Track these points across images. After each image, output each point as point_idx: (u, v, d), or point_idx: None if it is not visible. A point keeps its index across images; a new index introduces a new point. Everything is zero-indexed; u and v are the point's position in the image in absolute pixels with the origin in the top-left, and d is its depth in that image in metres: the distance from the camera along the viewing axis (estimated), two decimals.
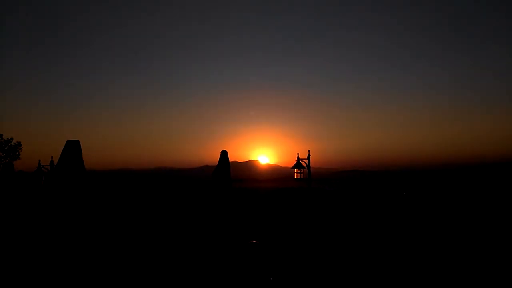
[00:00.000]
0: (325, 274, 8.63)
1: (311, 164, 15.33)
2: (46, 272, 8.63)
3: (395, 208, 21.03)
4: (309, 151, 15.46)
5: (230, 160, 18.62)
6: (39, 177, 20.09)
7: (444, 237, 12.79)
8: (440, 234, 13.20)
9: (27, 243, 11.64)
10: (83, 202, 16.26)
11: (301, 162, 15.33)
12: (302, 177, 15.44)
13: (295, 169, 15.39)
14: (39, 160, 20.02)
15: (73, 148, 16.23)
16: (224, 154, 18.42)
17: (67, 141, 16.32)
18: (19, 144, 38.11)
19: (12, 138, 37.80)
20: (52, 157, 19.18)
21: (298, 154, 15.39)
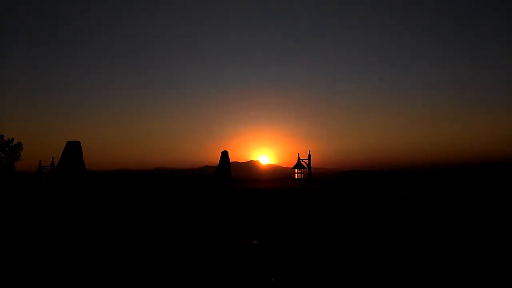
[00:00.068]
0: (326, 275, 8.64)
1: (312, 164, 15.34)
2: (47, 272, 8.65)
3: (396, 208, 21.03)
4: (309, 151, 15.46)
5: (230, 161, 18.61)
6: (40, 178, 20.11)
7: (445, 237, 12.80)
8: (440, 234, 13.21)
9: (28, 244, 11.66)
10: (84, 203, 16.28)
11: (302, 162, 15.33)
12: (302, 177, 15.44)
13: (296, 170, 15.40)
14: (40, 161, 20.04)
15: (73, 149, 16.25)
16: (224, 154, 18.42)
17: (68, 142, 16.35)
18: (19, 145, 38.14)
19: (12, 139, 37.84)
20: (52, 157, 19.21)
21: (298, 154, 15.41)
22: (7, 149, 37.23)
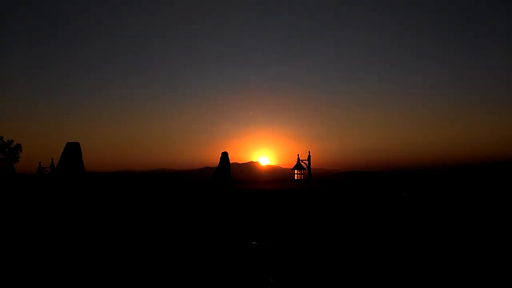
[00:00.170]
0: (325, 275, 8.64)
1: (312, 165, 15.34)
2: (47, 273, 8.64)
3: (396, 209, 21.03)
4: (309, 152, 15.47)
5: (230, 162, 18.64)
6: (40, 180, 20.10)
7: (445, 237, 12.80)
8: (440, 235, 13.20)
9: (28, 245, 11.65)
10: (83, 204, 16.28)
11: (302, 163, 15.34)
12: (302, 178, 15.45)
13: (296, 170, 15.40)
14: (40, 162, 20.04)
15: (73, 150, 16.26)
16: (224, 155, 18.45)
17: (67, 143, 16.36)
18: (19, 146, 38.13)
19: (12, 141, 37.84)
20: (52, 159, 19.21)
21: (298, 155, 15.41)
22: (6, 150, 37.23)
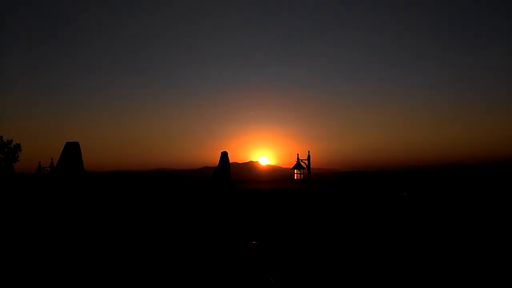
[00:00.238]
0: (325, 275, 8.63)
1: (311, 165, 15.35)
2: (46, 273, 8.63)
3: (395, 209, 21.02)
4: (308, 152, 15.50)
5: (230, 161, 18.66)
6: (39, 179, 20.10)
7: (444, 237, 12.79)
8: (440, 235, 13.19)
9: (27, 245, 11.63)
10: (83, 204, 16.26)
11: (301, 163, 15.35)
12: (302, 177, 15.47)
13: (295, 170, 15.42)
14: (39, 162, 20.03)
15: (72, 149, 16.26)
16: (224, 155, 18.45)
17: (67, 143, 16.35)
18: (18, 146, 38.08)
19: (11, 140, 37.80)
20: (52, 158, 19.22)
21: (298, 155, 15.42)
22: (6, 150, 37.18)
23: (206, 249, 10.87)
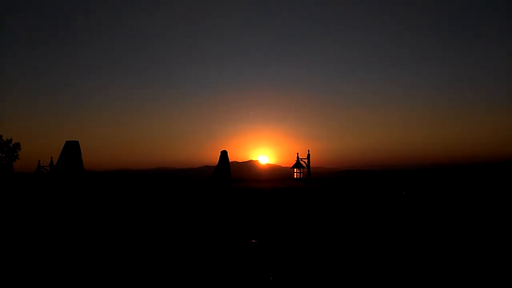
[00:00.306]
0: (325, 274, 8.62)
1: (311, 164, 15.35)
2: (46, 272, 8.62)
3: (395, 208, 21.02)
4: (308, 150, 15.48)
5: (230, 160, 18.64)
6: (39, 178, 20.07)
7: (444, 236, 12.79)
8: (439, 234, 13.19)
9: (27, 243, 11.63)
10: (82, 203, 16.25)
11: (301, 162, 15.35)
12: (301, 176, 15.46)
13: (295, 169, 15.41)
14: (39, 161, 20.01)
15: (72, 148, 16.24)
16: (224, 154, 18.43)
17: (66, 142, 16.33)
18: (18, 145, 38.07)
19: (11, 139, 37.79)
20: (51, 157, 19.20)
21: (297, 154, 15.40)
22: (5, 149, 37.17)
23: (206, 248, 10.86)
